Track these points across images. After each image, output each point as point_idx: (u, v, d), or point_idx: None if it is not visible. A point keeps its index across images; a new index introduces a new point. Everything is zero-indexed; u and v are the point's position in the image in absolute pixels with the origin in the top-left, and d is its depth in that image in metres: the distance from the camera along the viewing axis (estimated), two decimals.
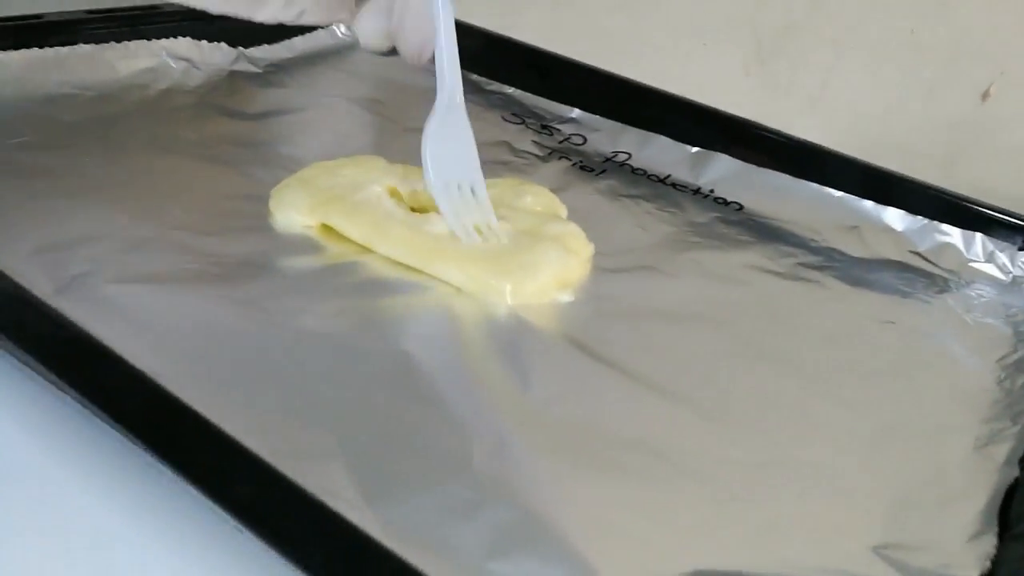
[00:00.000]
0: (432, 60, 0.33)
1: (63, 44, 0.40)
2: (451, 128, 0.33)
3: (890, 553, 0.21)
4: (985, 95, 0.49)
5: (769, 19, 0.53)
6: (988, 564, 0.21)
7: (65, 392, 0.21)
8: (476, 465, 0.22)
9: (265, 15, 0.33)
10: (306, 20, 0.34)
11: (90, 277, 0.28)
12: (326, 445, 0.22)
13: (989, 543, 0.22)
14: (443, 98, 0.33)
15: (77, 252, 0.29)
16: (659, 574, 0.20)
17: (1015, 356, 0.32)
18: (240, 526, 0.18)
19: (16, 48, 0.39)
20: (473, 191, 0.33)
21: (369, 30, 0.33)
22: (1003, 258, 0.38)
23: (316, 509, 0.18)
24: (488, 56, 0.50)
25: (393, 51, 0.35)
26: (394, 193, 0.35)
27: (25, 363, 0.22)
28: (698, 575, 0.20)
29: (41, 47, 0.39)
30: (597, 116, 0.48)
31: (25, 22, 0.40)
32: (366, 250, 0.32)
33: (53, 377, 0.21)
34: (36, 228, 0.30)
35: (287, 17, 0.34)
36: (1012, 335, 0.33)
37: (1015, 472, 0.25)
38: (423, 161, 0.32)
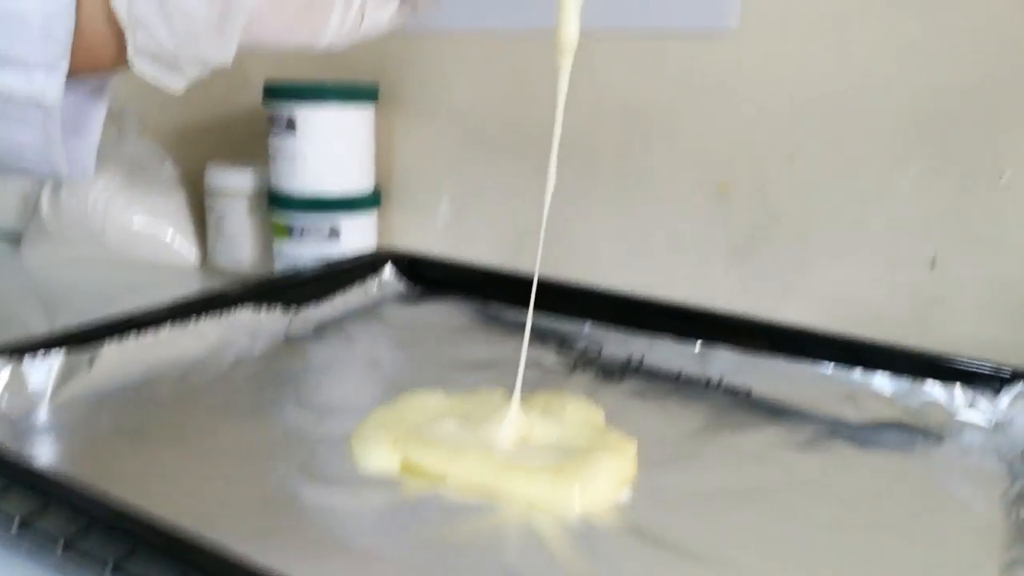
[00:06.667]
0: None
1: (153, 331, 0.47)
2: None
3: None
4: (932, 263, 0.56)
5: (740, 225, 0.62)
6: None
7: None
8: None
9: (328, 37, 0.37)
10: (369, 26, 0.38)
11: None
12: None
13: None
14: None
15: (211, 513, 0.34)
16: None
17: (1014, 489, 0.37)
18: None
19: (116, 340, 0.45)
20: None
21: None
22: (983, 404, 0.44)
23: None
24: (503, 289, 0.58)
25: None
26: (460, 418, 0.41)
27: None
28: None
29: (137, 336, 0.46)
30: (606, 327, 0.54)
31: (117, 323, 0.46)
32: (443, 476, 0.38)
33: None
34: (168, 495, 0.35)
35: (349, 27, 0.37)
36: (1007, 472, 0.39)
37: None
38: None
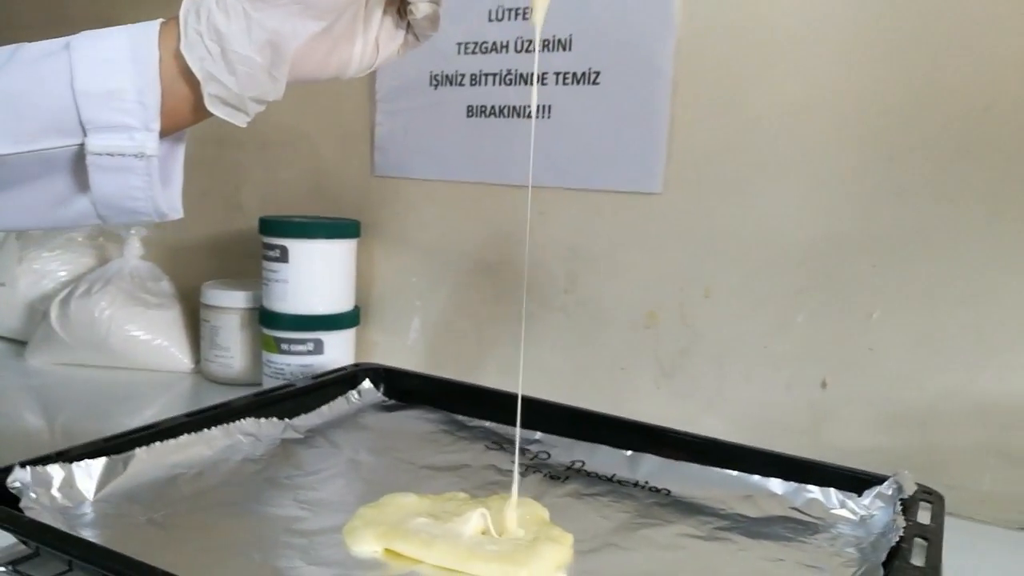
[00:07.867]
0: None
1: (172, 438, 0.56)
2: None
3: None
4: (823, 384, 0.68)
5: (667, 348, 0.73)
6: None
7: None
8: None
9: (353, 69, 0.47)
10: (383, 56, 0.48)
11: None
12: None
13: None
14: None
15: None
16: None
17: (860, 571, 0.47)
18: None
19: (144, 445, 0.55)
20: None
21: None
22: (851, 504, 0.54)
23: None
24: (469, 401, 0.68)
25: None
26: (431, 516, 0.50)
27: None
28: None
29: (162, 441, 0.55)
30: (555, 436, 0.65)
31: (146, 431, 0.55)
32: (419, 561, 0.47)
33: None
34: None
35: (368, 59, 0.47)
36: (859, 557, 0.49)
37: None
38: None
